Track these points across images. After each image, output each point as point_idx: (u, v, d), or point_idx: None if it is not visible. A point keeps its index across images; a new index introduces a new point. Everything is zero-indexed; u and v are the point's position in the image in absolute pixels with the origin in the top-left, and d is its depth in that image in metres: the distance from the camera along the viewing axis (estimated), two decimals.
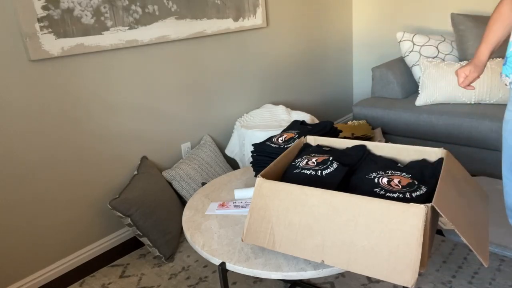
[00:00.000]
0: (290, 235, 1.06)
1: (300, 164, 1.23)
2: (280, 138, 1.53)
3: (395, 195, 1.05)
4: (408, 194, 1.05)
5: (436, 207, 0.93)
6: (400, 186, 1.09)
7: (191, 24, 2.18)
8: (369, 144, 1.33)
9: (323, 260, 1.02)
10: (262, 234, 1.10)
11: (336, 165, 1.19)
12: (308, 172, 1.18)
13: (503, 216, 1.91)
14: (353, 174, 1.20)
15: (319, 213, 1.03)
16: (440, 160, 1.22)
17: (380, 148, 1.32)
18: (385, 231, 0.96)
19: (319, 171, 1.18)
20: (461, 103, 2.42)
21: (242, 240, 1.13)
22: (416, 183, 1.11)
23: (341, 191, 1.05)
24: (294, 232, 1.05)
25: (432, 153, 1.26)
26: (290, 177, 1.21)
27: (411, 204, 0.95)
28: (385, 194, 1.06)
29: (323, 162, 1.21)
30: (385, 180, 1.12)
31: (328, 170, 1.18)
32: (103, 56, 1.86)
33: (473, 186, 1.21)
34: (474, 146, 2.30)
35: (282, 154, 1.27)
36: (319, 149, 1.35)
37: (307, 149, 1.36)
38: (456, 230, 0.97)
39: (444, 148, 1.26)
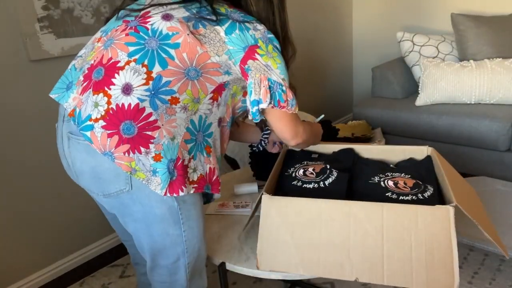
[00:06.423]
0: (313, 255, 0.98)
1: (297, 175, 1.16)
2: None
3: (409, 198, 1.01)
4: (420, 195, 1.02)
5: (460, 206, 0.91)
6: (409, 188, 1.05)
7: None
8: (356, 147, 1.30)
9: (357, 278, 0.94)
10: (279, 257, 0.99)
11: (336, 173, 1.13)
12: (310, 186, 1.11)
13: (502, 216, 1.91)
14: (352, 180, 1.14)
15: (340, 227, 0.96)
16: (428, 158, 1.21)
17: (367, 150, 1.28)
18: (416, 237, 0.91)
19: (321, 182, 1.11)
20: (461, 103, 2.42)
21: (257, 268, 1.02)
22: (421, 183, 1.08)
23: (348, 199, 1.00)
24: (317, 251, 0.97)
25: (418, 151, 1.24)
26: (291, 190, 1.13)
27: (438, 206, 0.92)
28: (398, 198, 1.02)
29: (322, 171, 1.15)
30: (391, 183, 1.08)
31: (330, 180, 1.12)
32: None
33: (464, 182, 1.20)
34: (474, 146, 2.30)
35: (276, 164, 1.21)
36: (307, 156, 1.29)
37: (294, 156, 1.29)
38: (479, 227, 0.95)
39: (430, 146, 1.24)
